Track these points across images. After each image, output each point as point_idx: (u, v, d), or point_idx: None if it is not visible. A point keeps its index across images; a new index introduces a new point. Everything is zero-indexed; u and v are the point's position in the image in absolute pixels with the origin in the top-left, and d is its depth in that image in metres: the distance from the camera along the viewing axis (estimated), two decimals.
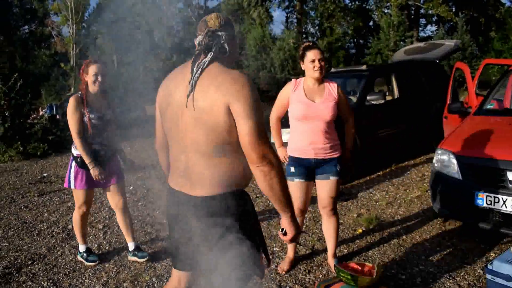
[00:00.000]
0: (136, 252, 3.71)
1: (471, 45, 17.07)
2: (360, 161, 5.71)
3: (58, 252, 4.00)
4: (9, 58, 13.80)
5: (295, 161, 3.18)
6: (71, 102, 3.41)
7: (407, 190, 5.34)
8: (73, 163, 3.52)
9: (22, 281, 3.49)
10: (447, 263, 3.38)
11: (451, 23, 23.65)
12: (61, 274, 3.55)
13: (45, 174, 7.63)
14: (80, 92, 3.47)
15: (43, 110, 14.19)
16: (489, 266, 2.60)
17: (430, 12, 23.80)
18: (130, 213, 3.81)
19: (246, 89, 1.66)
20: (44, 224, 4.84)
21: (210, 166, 1.73)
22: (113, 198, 3.65)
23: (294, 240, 1.86)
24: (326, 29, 19.89)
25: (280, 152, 3.34)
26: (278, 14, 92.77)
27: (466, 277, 3.15)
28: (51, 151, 9.74)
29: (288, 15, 32.85)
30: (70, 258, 3.85)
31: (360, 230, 4.14)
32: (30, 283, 3.43)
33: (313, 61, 3.03)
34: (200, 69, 1.72)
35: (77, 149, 3.44)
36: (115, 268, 3.61)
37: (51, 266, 3.71)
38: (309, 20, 25.02)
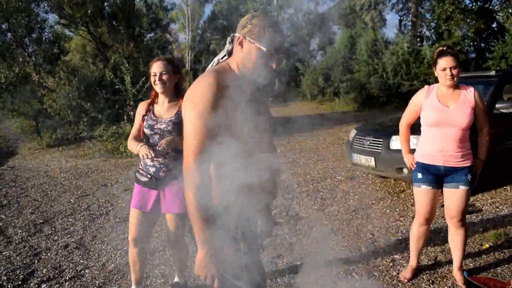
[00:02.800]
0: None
1: None
2: (486, 173, 5.34)
3: None
4: (134, 63, 15.16)
5: (423, 167, 3.10)
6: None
7: None
8: None
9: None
10: None
11: None
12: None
13: None
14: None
15: None
16: None
17: None
18: (185, 248, 3.20)
19: (194, 94, 1.57)
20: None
21: None
22: (167, 228, 3.01)
23: (210, 280, 1.58)
24: (443, 32, 18.75)
25: (407, 158, 3.29)
26: (391, 17, 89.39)
27: None
28: None
29: (402, 18, 31.64)
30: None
31: (487, 245, 3.90)
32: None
33: (444, 69, 2.93)
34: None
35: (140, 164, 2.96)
36: None
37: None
38: (425, 23, 23.81)
